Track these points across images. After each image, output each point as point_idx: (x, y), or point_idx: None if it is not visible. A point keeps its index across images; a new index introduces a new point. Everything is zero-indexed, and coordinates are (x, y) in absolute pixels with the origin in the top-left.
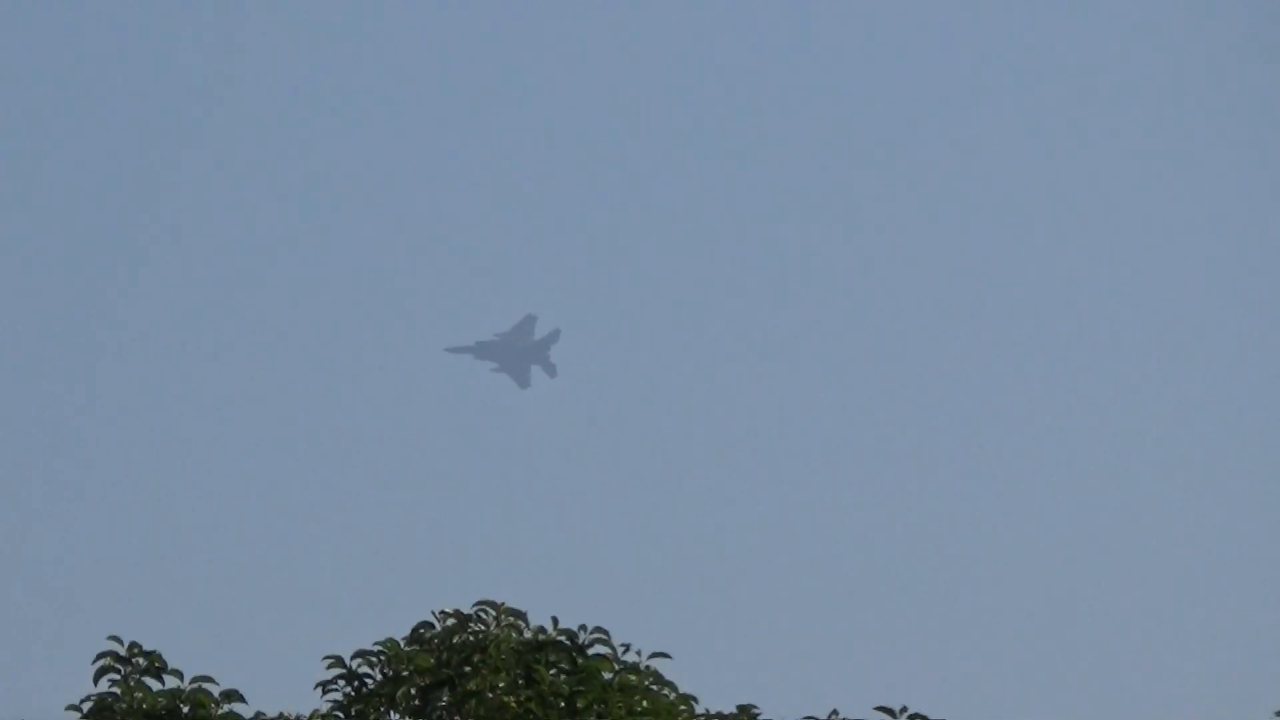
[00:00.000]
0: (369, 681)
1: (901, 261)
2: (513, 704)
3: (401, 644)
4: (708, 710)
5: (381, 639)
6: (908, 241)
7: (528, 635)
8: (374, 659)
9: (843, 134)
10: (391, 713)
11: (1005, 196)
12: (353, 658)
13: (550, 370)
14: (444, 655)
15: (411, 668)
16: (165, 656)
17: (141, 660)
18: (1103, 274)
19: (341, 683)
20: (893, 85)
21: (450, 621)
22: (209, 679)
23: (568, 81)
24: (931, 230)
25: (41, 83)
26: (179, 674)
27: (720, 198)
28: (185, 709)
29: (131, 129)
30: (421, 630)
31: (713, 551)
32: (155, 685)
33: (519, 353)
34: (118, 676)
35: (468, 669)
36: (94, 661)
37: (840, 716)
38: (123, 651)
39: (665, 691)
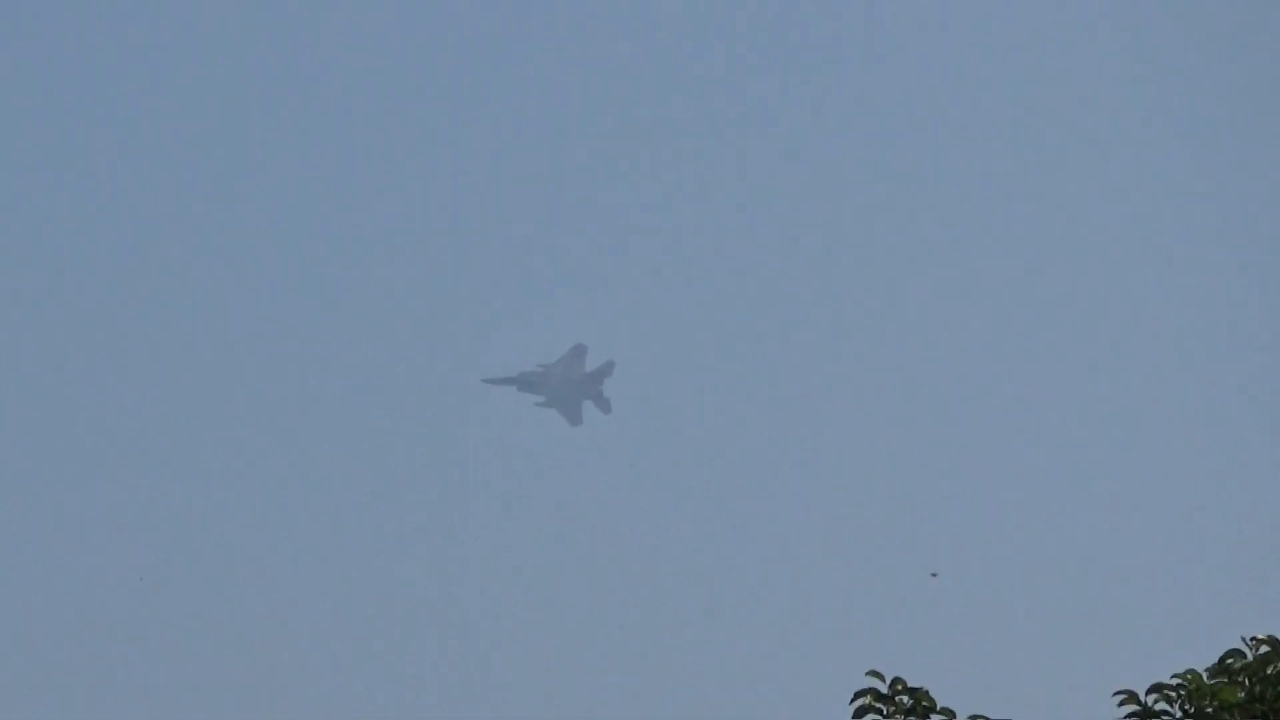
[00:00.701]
0: None
1: (973, 288)
2: None
3: (1205, 676)
4: None
5: (1180, 670)
6: (976, 266)
7: None
8: (1173, 694)
9: (899, 156)
10: None
11: (1010, 196)
12: (1148, 693)
13: (604, 405)
14: (1256, 689)
15: (1217, 703)
16: (933, 694)
17: (906, 699)
18: (1105, 276)
19: None
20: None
21: (1263, 649)
22: (985, 718)
23: (618, 96)
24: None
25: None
26: (949, 713)
27: (783, 224)
28: None
29: (166, 146)
30: (1229, 660)
31: (799, 604)
32: None
33: (568, 386)
34: (880, 717)
35: None
36: (852, 701)
37: None
38: (884, 689)
39: None
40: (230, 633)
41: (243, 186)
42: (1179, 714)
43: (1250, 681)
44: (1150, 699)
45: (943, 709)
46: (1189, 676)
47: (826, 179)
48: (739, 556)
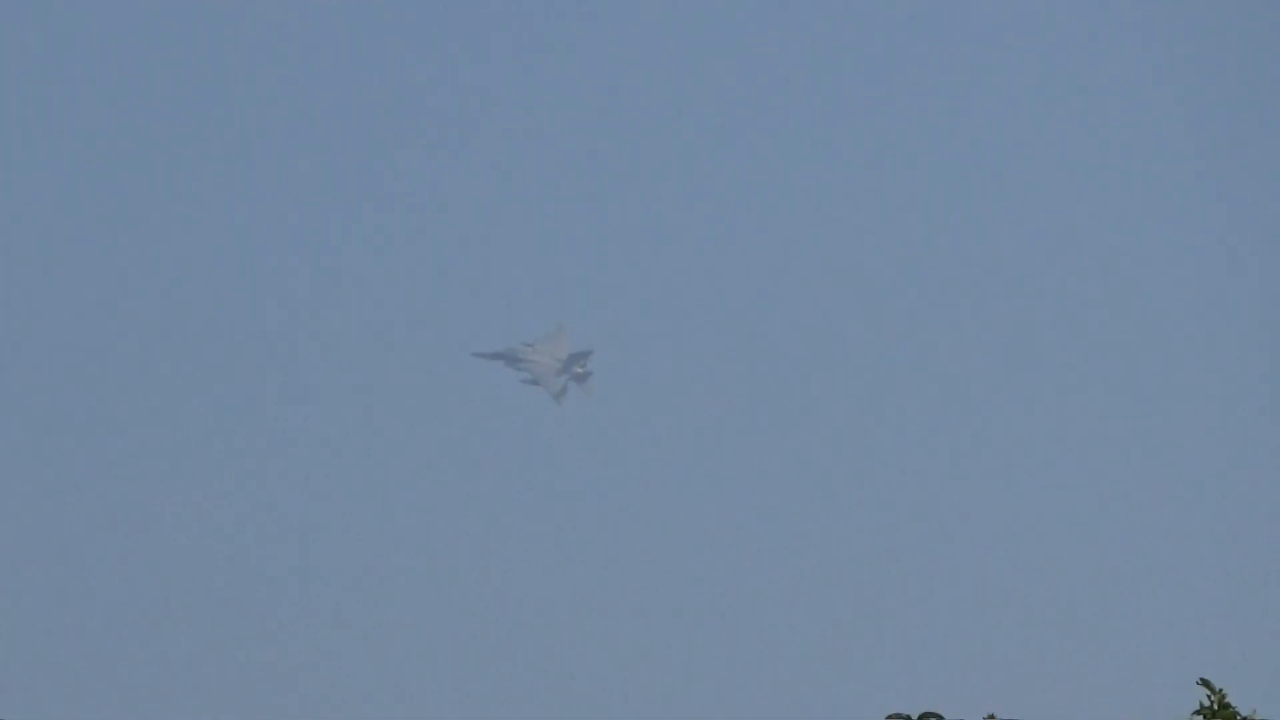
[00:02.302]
0: None
1: (941, 263)
2: None
3: None
4: None
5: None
6: (949, 246)
7: None
8: None
9: (881, 139)
10: None
11: (1010, 195)
12: None
13: (589, 389)
14: None
15: None
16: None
17: None
18: (1097, 272)
19: None
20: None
21: None
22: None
23: (611, 81)
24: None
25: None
26: None
27: (769, 210)
28: None
29: (141, 125)
30: None
31: (778, 599)
32: None
33: (553, 364)
34: None
35: None
36: None
37: None
38: None
39: None
40: (215, 614)
41: (222, 165)
42: None
43: None
44: None
45: None
46: None
47: (813, 166)
48: (718, 539)
